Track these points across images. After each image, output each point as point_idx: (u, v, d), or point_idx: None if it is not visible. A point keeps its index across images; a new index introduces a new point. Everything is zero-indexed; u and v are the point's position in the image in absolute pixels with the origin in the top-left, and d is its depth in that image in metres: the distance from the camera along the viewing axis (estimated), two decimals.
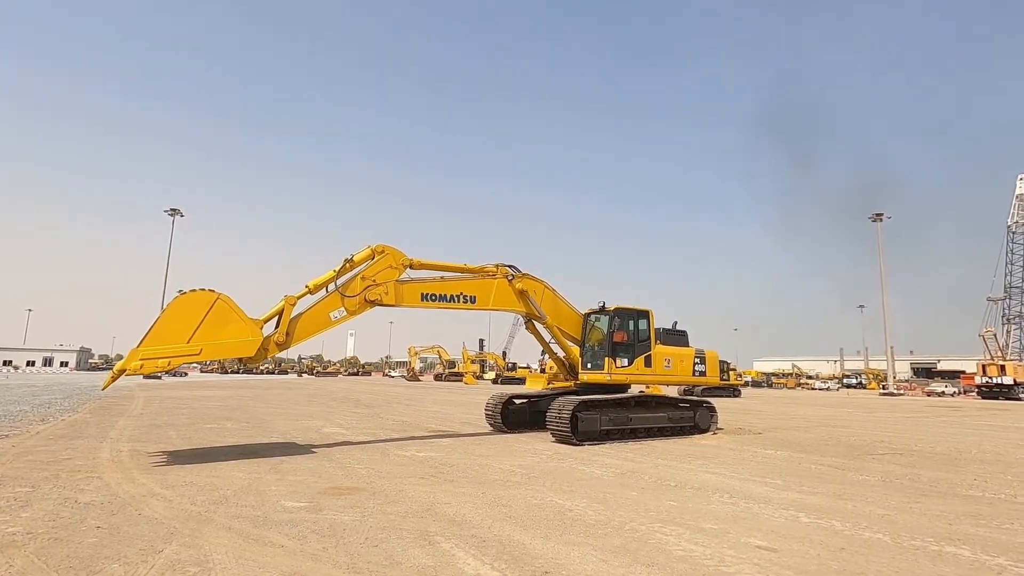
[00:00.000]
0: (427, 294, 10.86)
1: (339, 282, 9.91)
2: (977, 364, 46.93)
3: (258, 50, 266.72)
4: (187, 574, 3.73)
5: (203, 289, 8.35)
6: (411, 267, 10.68)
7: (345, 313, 9.87)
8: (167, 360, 7.92)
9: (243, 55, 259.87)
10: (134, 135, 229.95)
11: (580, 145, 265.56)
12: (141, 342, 7.82)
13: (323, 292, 9.85)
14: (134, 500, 5.73)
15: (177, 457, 8.46)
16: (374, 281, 10.14)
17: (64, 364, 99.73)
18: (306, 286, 9.67)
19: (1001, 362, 45.20)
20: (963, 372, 65.41)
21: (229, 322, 8.37)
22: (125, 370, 7.75)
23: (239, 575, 3.73)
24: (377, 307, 10.28)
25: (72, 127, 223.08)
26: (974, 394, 46.77)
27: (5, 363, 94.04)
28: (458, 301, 11.17)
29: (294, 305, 9.40)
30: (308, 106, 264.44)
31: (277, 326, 9.31)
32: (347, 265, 10.03)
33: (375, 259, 10.29)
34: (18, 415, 14.29)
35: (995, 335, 52.93)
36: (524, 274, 12.09)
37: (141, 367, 7.72)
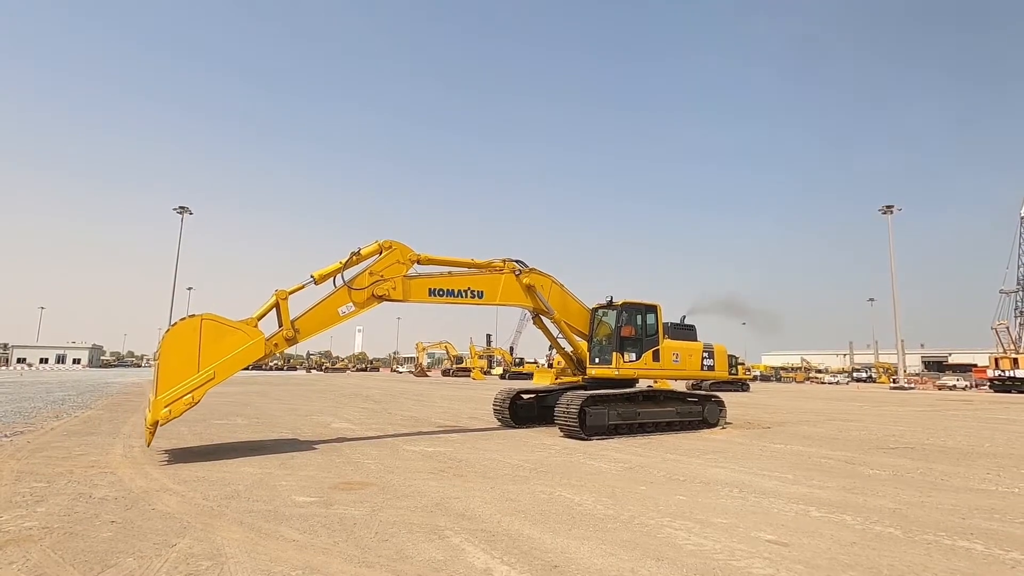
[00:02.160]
0: (435, 289, 10.87)
1: (346, 276, 9.92)
2: (989, 357, 46.52)
3: (259, 52, 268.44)
4: (200, 568, 3.77)
5: (183, 319, 8.30)
6: (418, 262, 10.68)
7: (353, 308, 9.90)
8: (190, 396, 7.85)
9: (244, 57, 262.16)
10: (142, 137, 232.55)
11: (583, 143, 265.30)
12: (156, 391, 7.79)
13: (329, 285, 9.87)
14: (147, 495, 5.80)
15: (188, 453, 8.54)
16: (382, 276, 10.15)
17: (76, 361, 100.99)
18: (311, 276, 9.68)
19: (1014, 355, 44.78)
20: (975, 365, 64.86)
21: (225, 335, 8.31)
22: (157, 422, 7.71)
23: (252, 569, 3.77)
24: (385, 302, 10.30)
25: (81, 130, 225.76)
26: (986, 387, 46.34)
27: (19, 360, 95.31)
28: (465, 296, 11.17)
29: (286, 299, 9.33)
30: (310, 107, 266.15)
31: (280, 324, 9.31)
32: (353, 258, 10.02)
33: (383, 254, 10.29)
34: (32, 412, 14.49)
35: (1008, 328, 52.42)
36: (531, 269, 12.07)
37: (170, 413, 7.68)
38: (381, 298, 10.16)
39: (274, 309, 9.27)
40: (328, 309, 9.72)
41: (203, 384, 7.99)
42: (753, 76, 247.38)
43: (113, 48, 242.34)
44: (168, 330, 8.24)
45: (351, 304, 9.87)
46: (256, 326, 8.80)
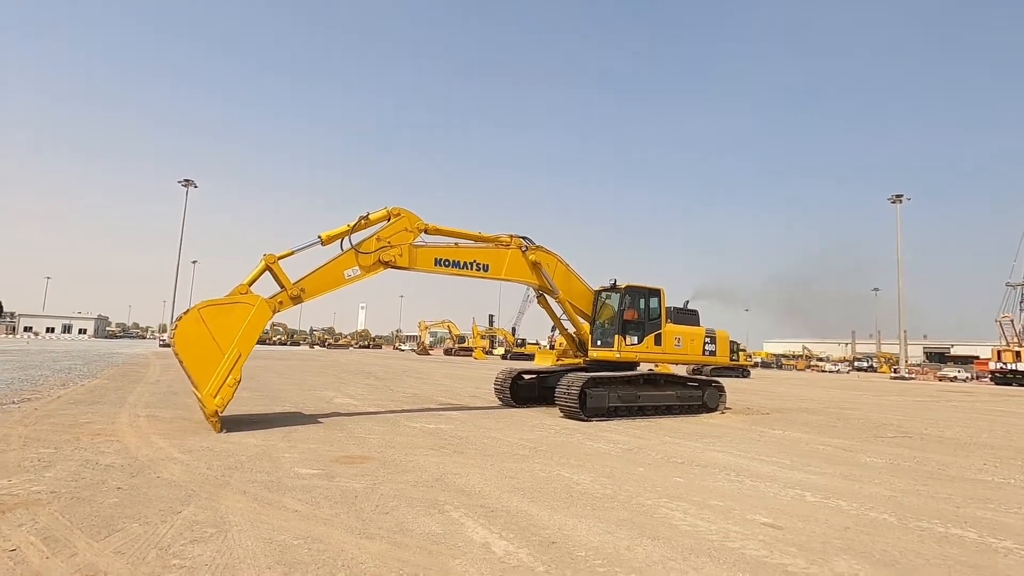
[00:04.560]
0: (441, 259, 10.88)
1: (354, 240, 9.91)
2: (992, 350, 46.39)
3: (271, 39, 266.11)
4: (205, 535, 3.85)
5: (180, 318, 8.28)
6: (426, 232, 10.68)
7: (359, 272, 9.91)
8: (231, 379, 8.05)
9: (256, 41, 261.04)
10: (153, 117, 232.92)
11: (589, 131, 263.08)
12: (197, 387, 7.96)
13: (330, 250, 9.86)
14: (153, 463, 5.89)
15: (193, 423, 8.65)
16: (389, 243, 10.15)
17: (83, 331, 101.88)
18: (319, 236, 9.68)
19: (1017, 348, 44.63)
20: (977, 357, 64.76)
21: (227, 313, 8.33)
22: (216, 411, 7.93)
23: (255, 537, 3.84)
24: (390, 269, 10.30)
25: (94, 106, 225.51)
26: (987, 380, 46.38)
27: (26, 329, 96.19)
28: (471, 268, 11.18)
29: (276, 263, 9.21)
30: (318, 89, 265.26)
31: (281, 286, 9.28)
32: (362, 222, 10.01)
33: (391, 221, 10.27)
34: (40, 380, 14.67)
35: (1012, 321, 52.19)
36: (538, 246, 12.05)
37: (222, 400, 7.93)
38: (387, 264, 10.16)
39: (267, 273, 9.23)
40: (334, 271, 9.74)
41: (235, 363, 8.17)
42: (761, 63, 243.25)
43: (129, 29, 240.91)
44: (173, 333, 8.24)
45: (357, 268, 9.88)
46: (248, 292, 8.80)
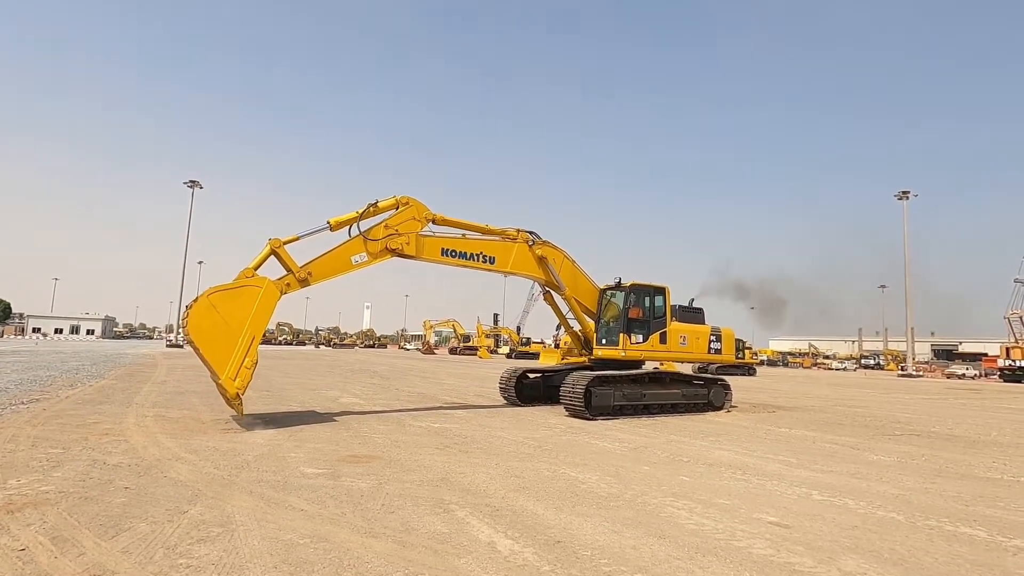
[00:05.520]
0: (447, 250, 10.91)
1: (362, 226, 9.95)
2: (1001, 347, 46.05)
3: (274, 39, 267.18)
4: (211, 534, 3.87)
5: (190, 306, 8.33)
6: (434, 222, 10.69)
7: (367, 258, 9.95)
8: (248, 361, 8.20)
9: (258, 44, 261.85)
10: (161, 117, 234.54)
11: (594, 129, 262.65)
12: (216, 373, 8.11)
13: (338, 236, 9.92)
14: (159, 463, 5.92)
15: (199, 423, 8.69)
16: (396, 231, 10.19)
17: (90, 332, 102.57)
18: (328, 221, 9.73)
19: None
20: (985, 355, 64.24)
21: (236, 298, 8.41)
22: (238, 393, 8.11)
23: (261, 536, 3.85)
24: (397, 258, 10.34)
25: (106, 108, 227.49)
26: (996, 377, 46.03)
27: (34, 330, 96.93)
28: (477, 260, 11.20)
29: (281, 247, 9.21)
30: (323, 87, 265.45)
31: (287, 270, 9.32)
32: (371, 209, 10.06)
33: (399, 209, 10.31)
34: (48, 380, 14.78)
35: (1021, 317, 51.68)
36: (545, 241, 12.05)
37: (241, 383, 8.12)
38: (394, 252, 10.19)
39: (272, 258, 9.25)
40: (342, 256, 9.78)
41: (249, 346, 8.30)
42: (766, 60, 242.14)
43: (137, 33, 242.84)
44: (186, 321, 8.28)
45: (364, 254, 9.93)
46: (254, 275, 8.84)
